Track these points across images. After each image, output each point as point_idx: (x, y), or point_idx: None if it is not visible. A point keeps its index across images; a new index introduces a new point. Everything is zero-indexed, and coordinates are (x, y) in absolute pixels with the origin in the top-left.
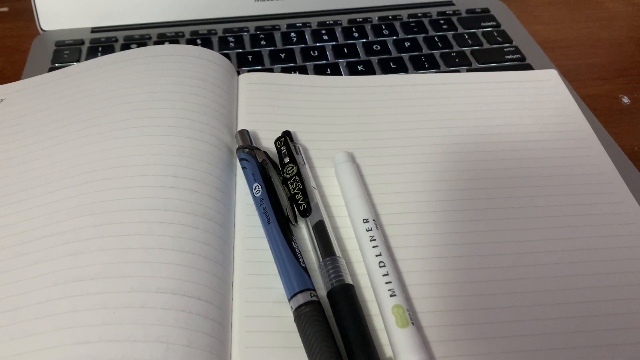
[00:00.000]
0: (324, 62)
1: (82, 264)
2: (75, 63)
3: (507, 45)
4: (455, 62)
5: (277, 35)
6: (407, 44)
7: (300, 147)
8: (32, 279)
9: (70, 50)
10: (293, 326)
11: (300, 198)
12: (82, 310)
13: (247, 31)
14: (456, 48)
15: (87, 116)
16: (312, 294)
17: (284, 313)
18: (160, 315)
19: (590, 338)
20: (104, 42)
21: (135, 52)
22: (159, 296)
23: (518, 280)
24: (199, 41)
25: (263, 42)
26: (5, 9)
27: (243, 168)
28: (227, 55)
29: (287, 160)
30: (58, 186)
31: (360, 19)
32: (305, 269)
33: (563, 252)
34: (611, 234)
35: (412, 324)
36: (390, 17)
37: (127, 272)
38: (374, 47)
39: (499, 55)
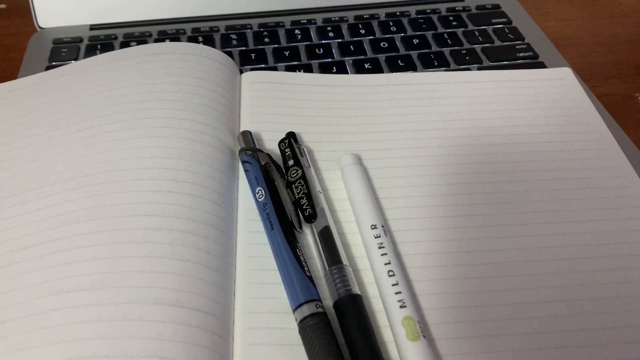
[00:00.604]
0: (330, 60)
1: (76, 273)
2: (73, 61)
3: (519, 42)
4: (466, 60)
5: (281, 33)
6: (415, 41)
7: (305, 149)
8: (24, 289)
9: (68, 48)
10: (298, 339)
11: (305, 203)
12: (75, 323)
13: (250, 28)
14: (466, 45)
15: (83, 117)
16: (318, 305)
17: (288, 324)
18: (158, 329)
19: (613, 352)
20: (102, 40)
21: (134, 50)
22: (156, 308)
23: (537, 289)
24: (200, 39)
25: (267, 40)
26: (2, 6)
27: (245, 171)
28: (229, 53)
29: (291, 162)
30: (52, 191)
31: (367, 16)
32: (310, 278)
33: (583, 259)
34: (631, 240)
35: (424, 336)
36: (397, 13)
37: (123, 282)
38: (382, 44)
39: (510, 52)
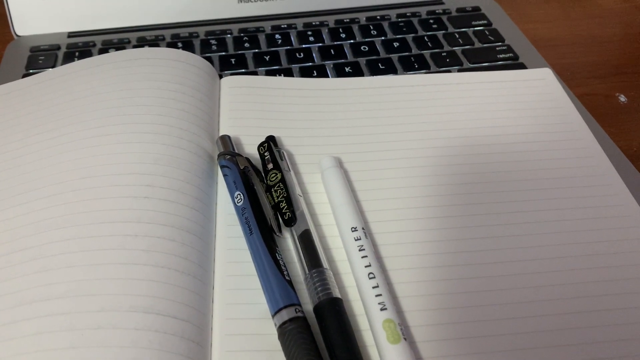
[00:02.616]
0: (310, 64)
1: (48, 282)
2: (50, 69)
3: (499, 44)
4: (446, 62)
5: (262, 37)
6: (396, 44)
7: (284, 153)
8: None
9: (46, 55)
10: (277, 344)
11: (284, 206)
12: (48, 332)
13: (230, 33)
14: (447, 48)
15: (59, 124)
16: (297, 310)
17: (268, 330)
18: (132, 337)
19: (594, 350)
20: (81, 47)
21: (111, 56)
22: (130, 315)
23: (517, 290)
24: (180, 44)
25: (247, 45)
26: None
27: (224, 176)
28: (209, 59)
29: (270, 166)
30: (26, 199)
31: (348, 20)
32: (289, 283)
33: (563, 258)
34: (612, 238)
35: (405, 339)
36: (378, 17)
37: (97, 290)
38: (362, 48)
39: (491, 54)
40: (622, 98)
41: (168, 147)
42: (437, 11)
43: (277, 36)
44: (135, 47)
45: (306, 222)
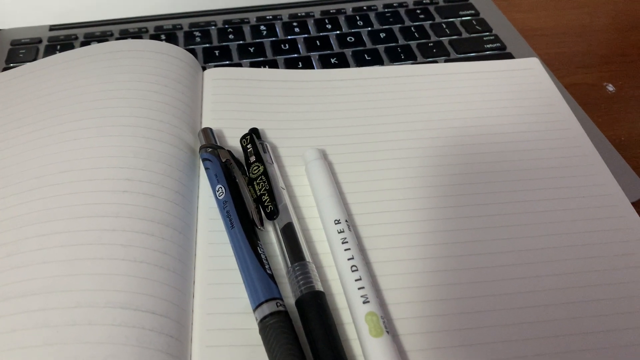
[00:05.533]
0: (296, 55)
1: (24, 278)
2: (29, 62)
3: (487, 34)
4: (433, 53)
5: (246, 29)
6: (382, 35)
7: (267, 145)
8: None
9: (27, 49)
10: (259, 339)
11: (266, 199)
12: (21, 329)
13: (215, 25)
14: (434, 38)
15: (38, 117)
16: (279, 304)
17: (249, 325)
18: (109, 333)
19: (580, 341)
20: (62, 40)
21: (91, 49)
22: (107, 311)
23: (502, 282)
24: (163, 37)
25: (231, 36)
26: None
27: (206, 169)
28: (192, 51)
29: (253, 159)
30: (2, 194)
31: (334, 10)
32: (271, 276)
33: (549, 249)
34: (600, 228)
35: (387, 332)
36: (364, 7)
37: (73, 286)
38: (348, 39)
39: (478, 44)
40: (610, 87)
41: (148, 140)
42: (424, 1)
43: (262, 27)
44: (117, 39)
45: (289, 215)
